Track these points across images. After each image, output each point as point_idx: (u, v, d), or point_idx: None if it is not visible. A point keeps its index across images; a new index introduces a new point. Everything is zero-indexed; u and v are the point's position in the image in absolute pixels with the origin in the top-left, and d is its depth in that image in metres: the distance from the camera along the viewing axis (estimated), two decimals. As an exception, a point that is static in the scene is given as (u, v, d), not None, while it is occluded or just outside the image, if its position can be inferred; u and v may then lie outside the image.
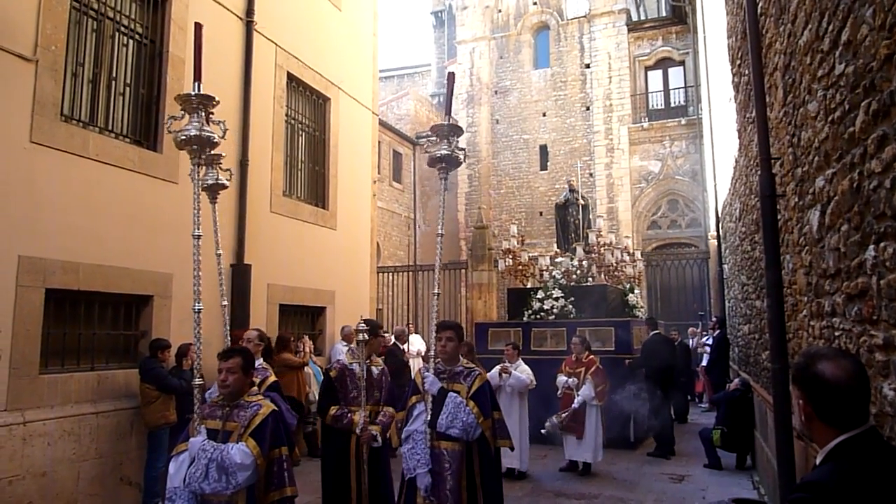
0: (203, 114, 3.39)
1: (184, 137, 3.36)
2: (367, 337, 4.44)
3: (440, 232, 3.83)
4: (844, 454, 1.62)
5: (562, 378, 7.65)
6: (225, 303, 4.26)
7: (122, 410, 6.10)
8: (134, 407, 6.19)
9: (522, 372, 7.35)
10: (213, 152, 3.79)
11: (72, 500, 5.54)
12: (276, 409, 3.33)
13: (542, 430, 7.66)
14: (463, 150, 3.83)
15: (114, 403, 6.03)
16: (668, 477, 7.53)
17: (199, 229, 3.48)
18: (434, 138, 3.80)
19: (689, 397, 12.26)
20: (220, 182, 4.24)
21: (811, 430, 1.74)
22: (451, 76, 3.83)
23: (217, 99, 3.46)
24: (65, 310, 5.84)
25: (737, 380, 8.45)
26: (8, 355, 5.18)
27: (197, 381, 3.32)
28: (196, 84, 3.39)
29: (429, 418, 3.77)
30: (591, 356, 7.69)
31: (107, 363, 6.20)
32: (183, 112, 3.44)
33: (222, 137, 3.56)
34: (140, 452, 6.14)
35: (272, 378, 5.12)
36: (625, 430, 8.74)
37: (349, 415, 4.51)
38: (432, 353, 3.99)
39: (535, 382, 7.35)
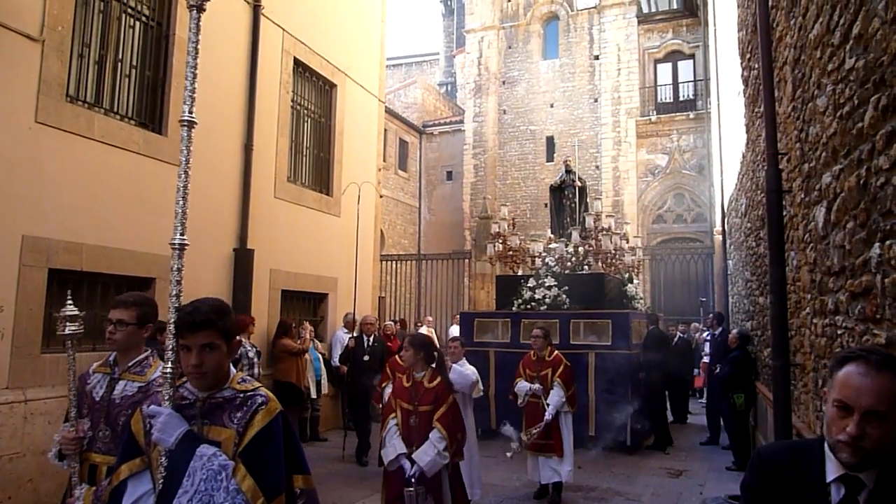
0: None
1: None
2: (78, 330, 2.66)
3: (185, 119, 2.19)
4: None
5: (523, 384, 6.23)
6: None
7: (123, 392, 6.12)
8: (135, 388, 6.22)
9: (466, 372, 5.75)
10: None
11: (72, 479, 5.58)
12: None
13: (508, 454, 6.14)
14: None
15: (115, 385, 6.06)
16: (666, 471, 7.54)
17: None
18: None
19: (689, 392, 12.21)
20: None
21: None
22: None
23: None
24: (67, 290, 5.85)
25: (735, 330, 8.25)
26: (10, 334, 5.21)
27: None
28: None
29: (154, 501, 1.99)
30: (557, 353, 6.37)
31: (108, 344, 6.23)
32: None
33: None
34: (140, 434, 6.16)
35: None
36: (621, 434, 8.18)
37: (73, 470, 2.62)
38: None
39: (482, 389, 5.93)
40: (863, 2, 2.55)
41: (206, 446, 1.91)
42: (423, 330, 12.82)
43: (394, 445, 4.14)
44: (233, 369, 2.11)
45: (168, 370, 2.00)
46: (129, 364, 2.75)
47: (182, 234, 2.13)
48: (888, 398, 1.49)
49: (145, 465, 2.03)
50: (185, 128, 2.20)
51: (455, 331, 11.84)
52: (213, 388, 2.02)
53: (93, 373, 2.82)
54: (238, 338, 2.10)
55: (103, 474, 2.54)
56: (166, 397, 2.00)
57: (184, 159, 2.18)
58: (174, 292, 2.06)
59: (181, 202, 2.14)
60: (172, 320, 1.98)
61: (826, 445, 1.62)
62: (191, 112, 2.19)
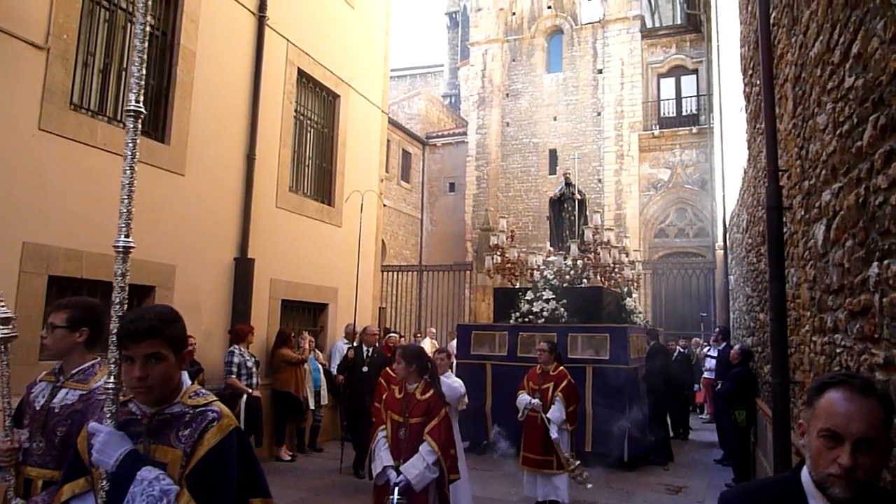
0: None
1: None
2: (11, 333, 2.50)
3: (131, 108, 2.02)
4: None
5: (524, 397, 6.19)
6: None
7: (120, 400, 6.10)
8: (132, 397, 6.20)
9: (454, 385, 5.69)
10: None
11: (67, 487, 5.54)
12: None
13: (589, 486, 6.25)
14: None
15: (112, 393, 6.04)
16: (665, 487, 7.48)
17: None
18: None
19: (690, 408, 12.13)
20: None
21: None
22: None
23: None
24: (67, 297, 5.85)
25: (737, 346, 8.09)
26: (8, 341, 5.20)
27: None
28: None
29: None
30: (562, 368, 6.29)
31: (106, 352, 6.21)
32: None
33: None
34: (137, 442, 6.14)
35: None
36: (619, 449, 8.03)
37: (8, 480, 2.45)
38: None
39: (466, 402, 5.86)
40: (862, 21, 2.56)
41: (148, 469, 1.72)
42: (425, 342, 12.75)
43: (381, 458, 4.05)
44: (187, 381, 1.93)
45: (110, 384, 1.83)
46: (73, 372, 2.56)
47: (126, 236, 1.95)
48: (877, 423, 1.41)
49: (90, 486, 1.84)
50: (132, 118, 1.97)
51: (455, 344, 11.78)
52: (161, 404, 1.84)
53: (39, 381, 2.66)
54: (190, 349, 1.92)
55: (38, 488, 2.40)
56: (108, 414, 1.81)
57: (129, 153, 1.96)
58: (118, 299, 1.87)
59: (126, 200, 1.95)
60: (114, 330, 1.82)
61: (805, 482, 1.51)
62: (137, 101, 1.99)
